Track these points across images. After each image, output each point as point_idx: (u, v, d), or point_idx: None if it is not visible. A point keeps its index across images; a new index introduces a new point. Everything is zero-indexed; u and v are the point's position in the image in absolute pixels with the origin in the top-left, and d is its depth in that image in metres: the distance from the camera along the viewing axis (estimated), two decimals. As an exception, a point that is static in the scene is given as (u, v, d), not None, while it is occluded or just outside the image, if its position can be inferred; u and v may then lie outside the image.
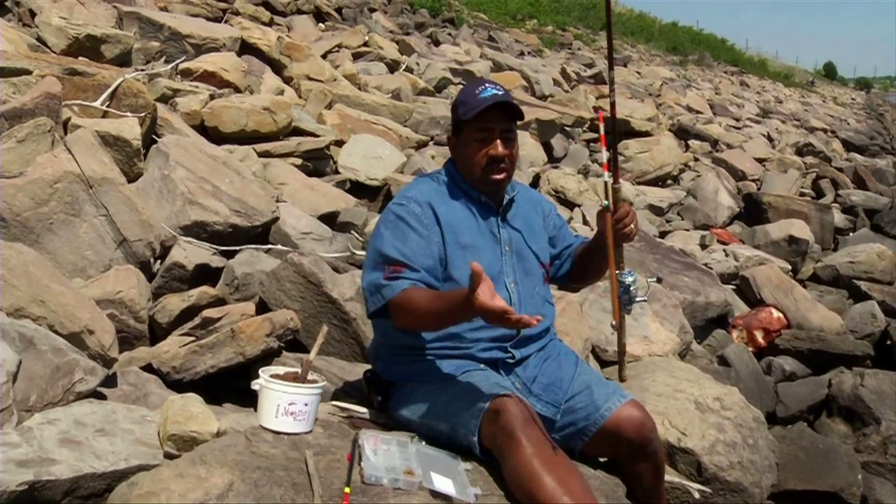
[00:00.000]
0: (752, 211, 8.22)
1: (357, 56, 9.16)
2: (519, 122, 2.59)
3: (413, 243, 2.40)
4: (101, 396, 2.65)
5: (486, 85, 2.53)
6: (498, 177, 2.52)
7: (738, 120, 15.91)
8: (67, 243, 3.43)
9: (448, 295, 2.27)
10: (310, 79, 7.13)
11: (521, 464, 2.10)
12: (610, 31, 2.78)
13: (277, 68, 7.17)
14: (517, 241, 2.61)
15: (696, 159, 10.47)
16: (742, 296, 5.88)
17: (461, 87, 2.83)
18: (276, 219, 4.24)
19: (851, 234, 8.51)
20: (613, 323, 2.62)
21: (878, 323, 5.68)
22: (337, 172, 5.63)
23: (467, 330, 2.46)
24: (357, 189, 5.49)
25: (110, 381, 2.77)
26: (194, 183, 3.99)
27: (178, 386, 2.93)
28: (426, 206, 2.47)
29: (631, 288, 2.55)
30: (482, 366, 2.47)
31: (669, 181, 9.22)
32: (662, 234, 7.20)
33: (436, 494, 2.10)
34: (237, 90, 5.93)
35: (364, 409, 2.61)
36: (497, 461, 2.23)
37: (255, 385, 2.32)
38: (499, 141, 2.49)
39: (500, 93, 2.50)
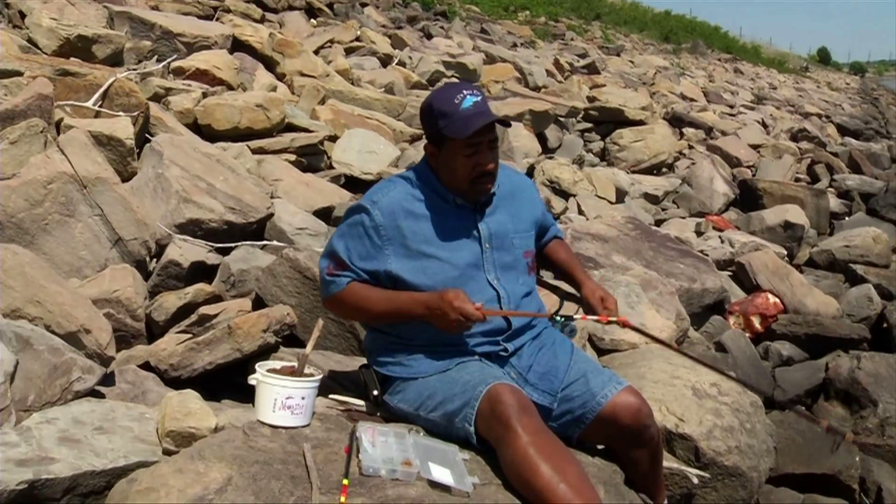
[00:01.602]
0: (748, 197, 8.23)
1: (349, 51, 9.15)
2: (513, 114, 2.58)
3: (363, 250, 2.47)
4: (100, 395, 2.66)
5: (464, 93, 2.45)
6: (488, 186, 2.51)
7: (732, 107, 15.91)
8: (63, 244, 3.44)
9: (402, 298, 2.45)
10: (302, 75, 7.13)
11: (518, 453, 2.11)
12: None
13: (270, 65, 7.16)
14: (498, 235, 2.56)
15: (691, 147, 10.49)
16: (738, 282, 5.89)
17: (434, 91, 2.73)
18: (271, 215, 4.25)
19: (847, 218, 8.53)
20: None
21: (875, 306, 5.70)
22: (331, 168, 5.63)
23: None
24: (352, 184, 5.49)
25: (108, 380, 2.78)
26: (188, 181, 4.00)
27: (176, 383, 2.93)
28: (389, 216, 2.46)
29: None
30: (476, 357, 2.48)
31: (664, 169, 9.23)
32: (658, 223, 7.22)
33: (434, 485, 2.11)
34: (230, 88, 5.93)
35: (361, 402, 2.62)
36: (494, 450, 2.24)
37: (252, 380, 2.33)
38: (488, 154, 2.46)
39: (479, 99, 2.44)
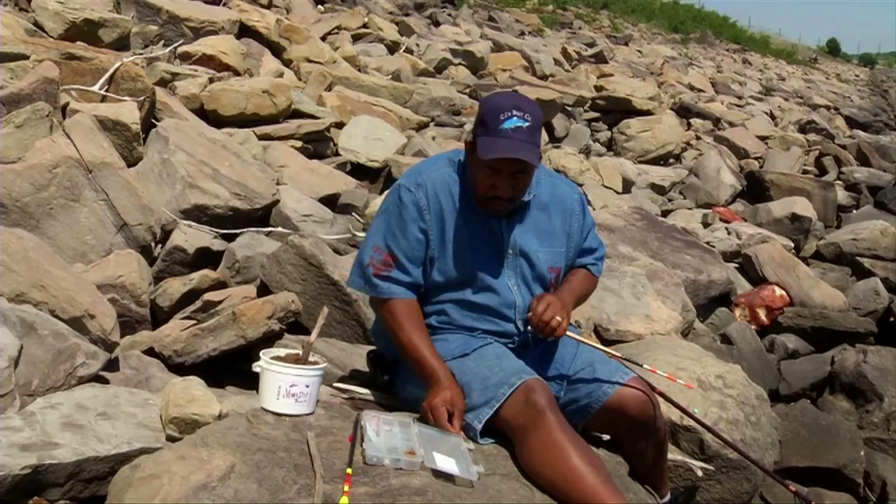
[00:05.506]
0: (755, 189, 8.19)
1: (356, 38, 9.13)
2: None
3: (411, 239, 2.38)
4: (103, 380, 2.65)
5: (513, 112, 2.27)
6: (497, 209, 2.41)
7: (740, 98, 15.86)
8: (67, 228, 3.43)
9: (427, 355, 2.33)
10: (309, 61, 7.11)
11: (551, 436, 2.11)
12: None
13: (276, 51, 7.15)
14: (524, 245, 2.47)
15: (698, 138, 10.45)
16: (745, 274, 5.86)
17: (495, 93, 2.60)
18: (277, 201, 4.24)
19: (854, 211, 8.49)
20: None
21: (882, 300, 5.67)
22: (337, 154, 5.62)
23: (468, 317, 2.45)
24: (357, 171, 5.48)
25: (112, 366, 2.78)
26: (194, 166, 3.99)
27: (180, 369, 2.93)
28: (434, 198, 2.39)
29: None
30: (489, 339, 2.44)
31: (671, 160, 9.20)
32: (665, 213, 7.19)
33: (438, 474, 2.10)
34: (236, 73, 5.92)
35: (366, 390, 2.60)
36: (498, 441, 2.24)
37: (256, 367, 2.32)
38: (507, 182, 2.31)
39: (524, 125, 2.26)
